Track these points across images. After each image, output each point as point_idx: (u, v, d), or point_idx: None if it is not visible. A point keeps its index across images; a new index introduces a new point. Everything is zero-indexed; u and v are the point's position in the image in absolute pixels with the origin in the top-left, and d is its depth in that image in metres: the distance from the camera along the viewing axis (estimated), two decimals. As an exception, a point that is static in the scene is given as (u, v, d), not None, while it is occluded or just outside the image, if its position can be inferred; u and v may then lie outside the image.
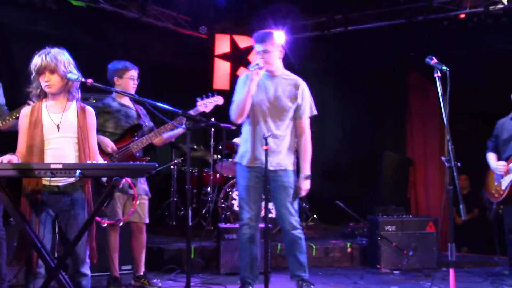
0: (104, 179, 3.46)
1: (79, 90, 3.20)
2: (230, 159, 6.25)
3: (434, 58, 3.40)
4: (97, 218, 3.82)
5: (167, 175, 7.09)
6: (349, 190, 7.80)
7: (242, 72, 7.50)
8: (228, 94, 4.30)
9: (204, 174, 6.95)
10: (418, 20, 6.95)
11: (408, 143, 8.01)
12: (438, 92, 3.32)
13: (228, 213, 6.10)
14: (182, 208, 6.84)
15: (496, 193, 4.81)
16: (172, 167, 6.70)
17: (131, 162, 4.02)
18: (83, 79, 3.06)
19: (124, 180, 2.96)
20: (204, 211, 6.38)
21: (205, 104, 4.41)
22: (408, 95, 8.01)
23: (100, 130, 4.11)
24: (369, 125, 8.11)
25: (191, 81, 7.70)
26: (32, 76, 3.07)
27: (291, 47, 7.48)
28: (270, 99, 4.12)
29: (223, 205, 6.21)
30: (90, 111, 3.23)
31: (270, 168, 3.95)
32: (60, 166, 2.74)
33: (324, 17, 7.64)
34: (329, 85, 8.30)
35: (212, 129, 6.47)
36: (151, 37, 7.42)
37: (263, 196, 4.04)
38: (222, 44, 8.19)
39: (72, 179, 2.99)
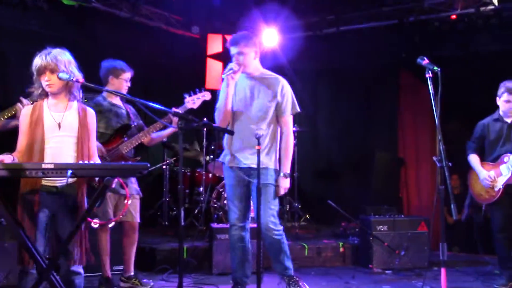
0: (96, 179, 3.45)
1: (81, 91, 3.19)
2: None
3: (425, 58, 3.40)
4: (88, 219, 3.81)
5: (159, 175, 7.06)
6: (341, 190, 7.82)
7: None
8: (221, 94, 4.28)
9: (197, 174, 6.94)
10: (409, 20, 6.98)
11: (399, 143, 8.03)
12: (429, 92, 3.33)
13: (221, 213, 6.09)
14: (174, 208, 6.81)
15: (486, 194, 4.76)
16: (164, 167, 6.68)
17: (123, 162, 4.01)
18: (74, 79, 3.05)
19: (116, 180, 2.96)
20: (196, 211, 6.37)
21: (193, 101, 4.40)
22: (399, 95, 8.03)
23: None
24: (361, 125, 8.12)
25: (183, 81, 7.64)
26: (34, 77, 3.08)
27: (282, 47, 7.50)
28: (249, 100, 4.10)
29: (215, 205, 6.21)
30: (91, 112, 3.24)
31: (251, 166, 3.99)
32: (52, 166, 2.73)
33: (316, 17, 7.64)
34: (321, 86, 8.33)
35: (205, 129, 6.44)
36: (143, 37, 7.38)
37: (249, 196, 4.11)
38: (215, 44, 8.15)
39: (71, 180, 2.98)
